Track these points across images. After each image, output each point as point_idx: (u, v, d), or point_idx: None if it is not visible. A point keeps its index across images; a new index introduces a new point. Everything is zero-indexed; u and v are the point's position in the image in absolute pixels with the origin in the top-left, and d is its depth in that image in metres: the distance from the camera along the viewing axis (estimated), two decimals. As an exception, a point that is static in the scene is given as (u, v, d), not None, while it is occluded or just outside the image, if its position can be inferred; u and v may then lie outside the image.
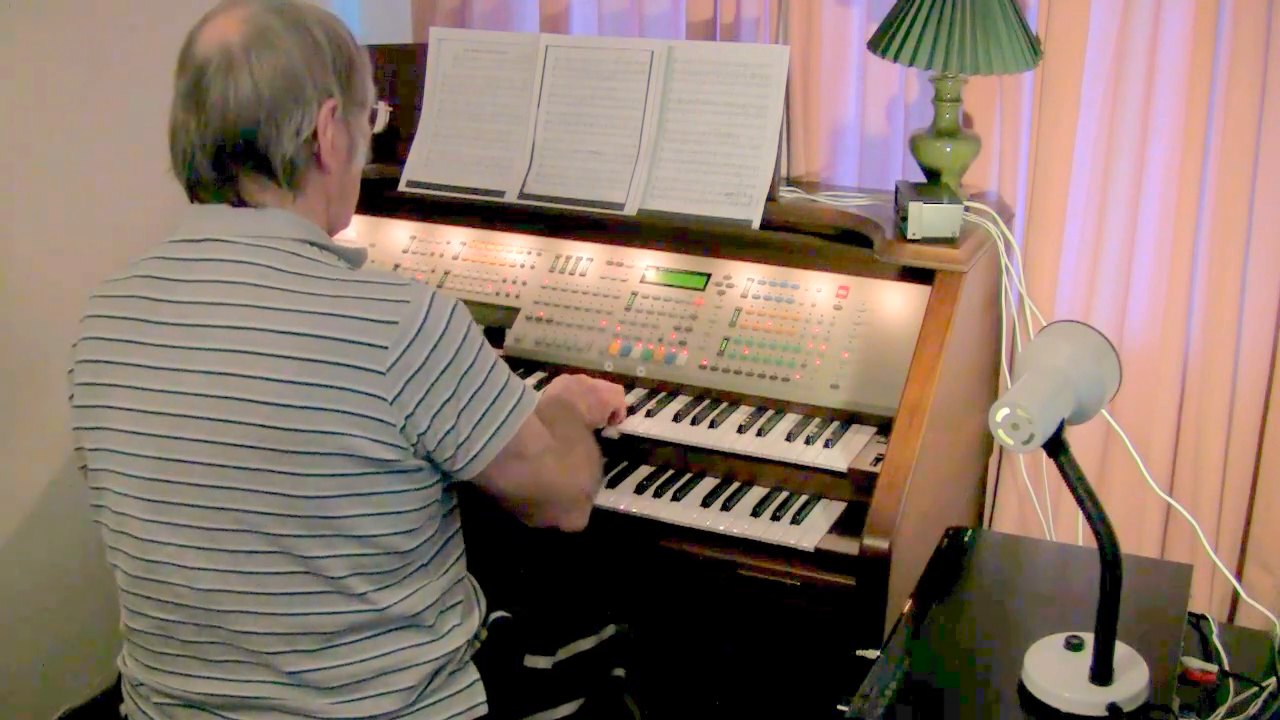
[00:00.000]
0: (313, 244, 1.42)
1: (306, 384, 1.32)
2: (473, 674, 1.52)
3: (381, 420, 1.34)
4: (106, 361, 1.42)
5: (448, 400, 1.37)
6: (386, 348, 1.33)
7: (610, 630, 1.72)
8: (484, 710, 1.51)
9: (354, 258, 1.47)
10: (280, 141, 1.38)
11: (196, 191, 1.43)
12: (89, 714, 2.20)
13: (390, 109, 1.59)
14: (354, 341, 1.33)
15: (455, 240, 2.35)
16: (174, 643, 1.45)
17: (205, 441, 1.35)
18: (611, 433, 1.95)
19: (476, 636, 1.55)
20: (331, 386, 1.32)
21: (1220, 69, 2.12)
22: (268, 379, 1.33)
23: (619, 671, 1.70)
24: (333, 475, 1.35)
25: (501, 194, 2.28)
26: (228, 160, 1.39)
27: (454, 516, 1.54)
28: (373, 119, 1.53)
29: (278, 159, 1.39)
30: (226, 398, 1.34)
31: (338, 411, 1.33)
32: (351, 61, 1.46)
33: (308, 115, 1.39)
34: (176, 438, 1.37)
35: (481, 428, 1.42)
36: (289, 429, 1.33)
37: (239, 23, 1.38)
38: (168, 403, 1.37)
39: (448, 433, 1.39)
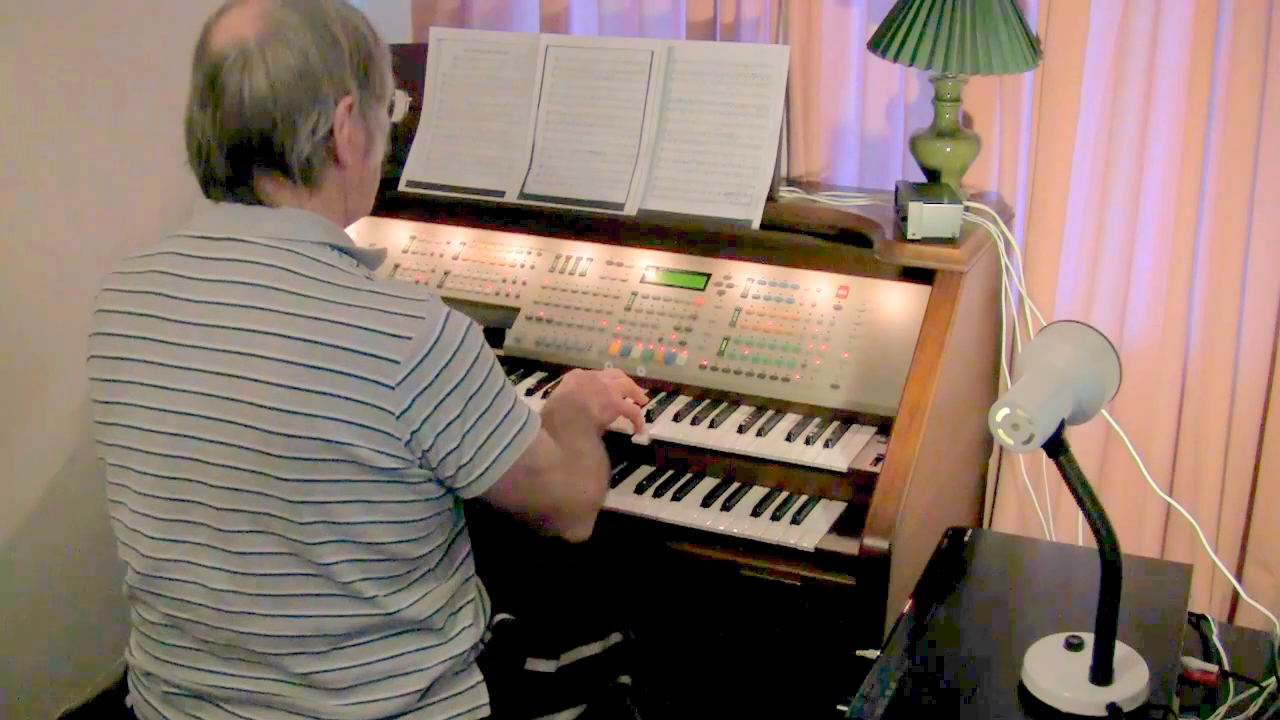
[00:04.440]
0: (333, 246, 1.39)
1: (313, 391, 1.31)
2: (476, 675, 1.52)
3: (386, 433, 1.33)
4: (124, 358, 1.41)
5: (453, 420, 1.36)
6: (398, 362, 1.32)
7: (616, 637, 1.71)
8: (486, 712, 1.51)
9: (373, 260, 1.46)
10: (296, 141, 1.36)
11: (211, 187, 1.41)
12: (91, 713, 2.20)
13: (409, 98, 1.56)
14: (365, 353, 1.32)
15: (455, 240, 2.34)
16: (185, 636, 1.46)
17: (218, 443, 1.35)
18: (641, 439, 1.94)
19: (482, 639, 1.55)
20: (338, 396, 1.31)
21: (1220, 69, 2.12)
22: (275, 384, 1.32)
23: (624, 679, 1.70)
24: (338, 481, 1.34)
25: (501, 194, 2.27)
26: (243, 158, 1.37)
27: (459, 516, 1.53)
28: (391, 109, 1.50)
29: (294, 158, 1.37)
30: (237, 400, 1.34)
31: (342, 421, 1.32)
32: (370, 56, 1.43)
33: (324, 114, 1.37)
34: (192, 437, 1.36)
35: (484, 452, 1.40)
36: (294, 435, 1.32)
37: (254, 17, 1.36)
38: (183, 402, 1.37)
39: (451, 452, 1.38)
